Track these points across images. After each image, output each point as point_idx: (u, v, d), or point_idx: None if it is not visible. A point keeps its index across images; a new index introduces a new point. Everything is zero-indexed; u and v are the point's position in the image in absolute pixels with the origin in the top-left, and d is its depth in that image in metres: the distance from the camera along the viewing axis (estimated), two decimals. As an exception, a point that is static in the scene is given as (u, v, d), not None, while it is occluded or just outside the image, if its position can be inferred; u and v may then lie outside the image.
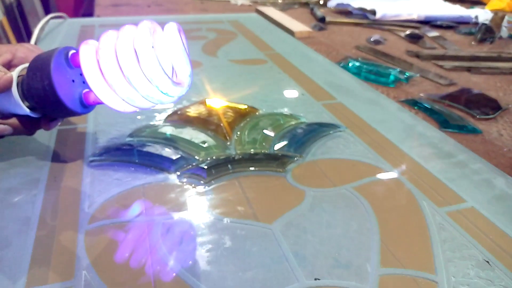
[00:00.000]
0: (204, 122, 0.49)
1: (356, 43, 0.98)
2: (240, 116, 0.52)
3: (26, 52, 0.38)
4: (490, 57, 0.90)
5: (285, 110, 0.54)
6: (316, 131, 0.49)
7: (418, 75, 0.77)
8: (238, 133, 0.47)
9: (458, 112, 0.62)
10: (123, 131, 0.47)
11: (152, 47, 0.31)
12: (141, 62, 0.30)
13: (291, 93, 0.61)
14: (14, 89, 0.34)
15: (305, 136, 0.48)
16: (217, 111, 0.52)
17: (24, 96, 0.34)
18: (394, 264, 0.31)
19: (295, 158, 0.43)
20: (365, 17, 1.25)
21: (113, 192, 0.37)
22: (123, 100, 0.33)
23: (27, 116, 0.36)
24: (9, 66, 0.37)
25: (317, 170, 0.42)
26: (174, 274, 0.29)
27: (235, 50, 0.80)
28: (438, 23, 1.22)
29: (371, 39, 1.01)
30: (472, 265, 0.31)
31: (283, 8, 1.36)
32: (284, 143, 0.46)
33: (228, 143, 0.45)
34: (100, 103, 0.34)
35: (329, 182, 0.40)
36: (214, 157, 0.42)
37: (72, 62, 0.34)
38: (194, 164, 0.41)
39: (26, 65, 0.35)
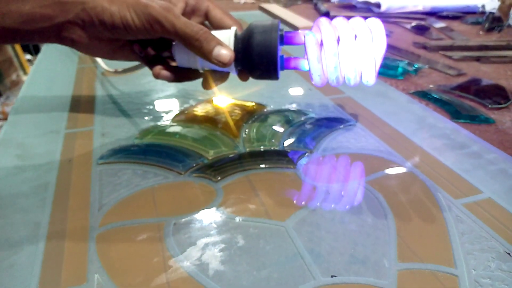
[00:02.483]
0: (212, 121, 0.49)
1: (362, 37, 0.97)
2: (247, 113, 0.51)
3: None
4: (499, 46, 0.89)
5: (293, 106, 0.54)
6: (326, 126, 0.48)
7: (427, 66, 0.76)
8: (247, 130, 0.47)
9: (469, 103, 0.61)
10: (130, 132, 0.46)
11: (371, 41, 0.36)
12: (360, 58, 0.37)
13: (298, 89, 0.60)
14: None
15: (315, 131, 0.47)
16: (224, 109, 0.52)
17: (236, 61, 0.38)
18: (412, 258, 0.30)
19: (306, 154, 0.43)
20: (370, 10, 1.24)
21: (123, 194, 0.36)
22: (326, 78, 0.39)
23: (228, 71, 0.41)
24: (184, 13, 0.41)
25: (328, 165, 0.41)
26: (188, 275, 0.28)
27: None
28: (444, 13, 1.20)
29: (377, 32, 1.00)
30: (493, 257, 0.30)
31: (286, 4, 1.35)
32: (294, 139, 0.45)
33: (237, 141, 0.45)
34: (297, 69, 0.40)
35: (341, 177, 0.39)
36: (223, 156, 0.42)
37: (285, 41, 0.39)
38: (203, 163, 0.41)
39: (233, 32, 0.39)
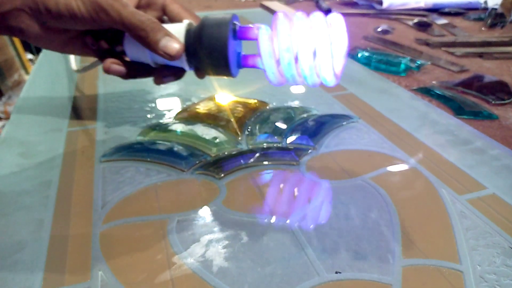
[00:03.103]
0: (214, 118, 0.48)
1: (364, 34, 0.96)
2: (250, 110, 0.51)
3: None
4: (502, 42, 0.88)
5: (296, 103, 0.53)
6: (328, 122, 0.48)
7: (429, 63, 0.76)
8: (249, 127, 0.47)
9: (472, 99, 0.61)
10: (133, 130, 0.46)
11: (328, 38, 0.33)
12: (316, 51, 0.33)
13: (301, 86, 0.60)
14: (183, 54, 0.36)
15: (318, 128, 0.47)
16: (227, 107, 0.52)
17: (188, 55, 0.36)
18: (417, 254, 0.30)
19: (309, 151, 0.43)
20: (372, 7, 1.24)
21: (126, 192, 0.36)
22: (280, 72, 0.35)
23: (182, 69, 0.39)
24: (137, 6, 0.38)
25: (332, 162, 0.41)
26: (192, 272, 0.28)
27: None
28: (446, 10, 1.20)
29: (379, 29, 0.99)
30: (498, 253, 0.30)
31: (288, 2, 1.35)
32: (297, 135, 0.45)
33: (240, 138, 0.45)
34: (255, 67, 0.36)
35: (345, 174, 0.39)
36: (226, 153, 0.42)
37: (239, 36, 0.36)
38: (206, 160, 0.41)
39: (185, 25, 0.36)
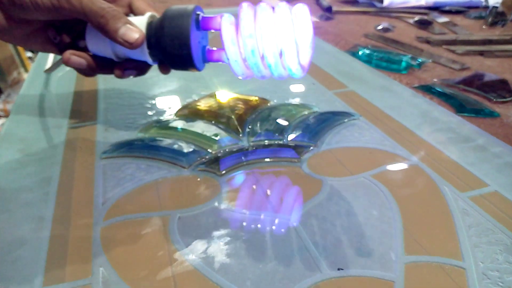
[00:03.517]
0: (215, 115, 0.48)
1: (365, 32, 0.96)
2: (251, 107, 0.51)
3: None
4: (503, 40, 0.88)
5: (297, 100, 0.53)
6: (329, 120, 0.48)
7: (430, 60, 0.75)
8: (250, 125, 0.47)
9: (474, 96, 0.61)
10: (133, 127, 0.46)
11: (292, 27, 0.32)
12: (280, 41, 0.32)
13: (302, 83, 0.59)
14: (145, 45, 0.35)
15: (319, 125, 0.46)
16: (228, 104, 0.51)
17: (150, 48, 0.35)
18: (419, 251, 0.30)
19: (310, 148, 0.42)
20: (372, 5, 1.24)
21: (126, 188, 0.36)
22: (246, 66, 0.34)
23: (145, 63, 0.38)
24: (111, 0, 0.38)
25: (333, 159, 0.41)
26: (193, 268, 0.28)
27: (242, 43, 0.79)
28: (447, 8, 1.20)
29: (380, 27, 0.99)
30: (500, 250, 0.30)
31: (288, -1, 1.35)
32: (298, 133, 0.45)
33: (241, 135, 0.45)
34: (221, 61, 0.36)
35: (346, 171, 0.39)
36: (227, 150, 0.42)
37: (202, 26, 0.35)
38: (207, 157, 0.40)
39: (147, 17, 0.36)
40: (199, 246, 0.30)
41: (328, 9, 1.17)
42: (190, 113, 0.49)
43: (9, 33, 0.36)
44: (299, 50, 0.33)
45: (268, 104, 0.52)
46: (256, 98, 0.53)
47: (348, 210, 0.34)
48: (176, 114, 0.49)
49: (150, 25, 0.35)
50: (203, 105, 0.51)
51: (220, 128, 0.45)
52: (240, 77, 0.35)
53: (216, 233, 0.31)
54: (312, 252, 0.30)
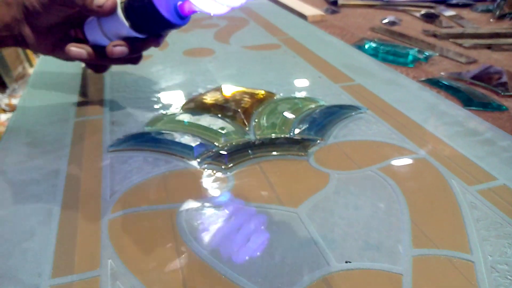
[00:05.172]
0: (221, 109, 0.48)
1: (371, 25, 0.95)
2: (257, 101, 0.51)
3: None
4: (510, 33, 0.87)
5: (303, 94, 0.53)
6: (336, 113, 0.48)
7: (437, 54, 0.75)
8: (256, 118, 0.46)
9: (481, 90, 0.60)
10: (140, 120, 0.46)
11: None
12: None
13: (308, 77, 0.59)
14: (119, 11, 0.38)
15: (326, 118, 0.46)
16: (234, 97, 0.51)
17: (129, 18, 0.38)
18: (427, 244, 0.30)
19: (317, 141, 0.42)
20: (378, -1, 1.23)
21: (134, 181, 0.36)
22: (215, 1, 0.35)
23: (134, 39, 0.40)
24: None
25: (340, 153, 0.41)
26: (201, 260, 0.28)
27: (247, 37, 0.78)
28: (454, 1, 1.19)
29: (386, 20, 0.98)
30: (509, 243, 0.30)
31: (294, -7, 1.34)
32: (305, 126, 0.45)
33: (247, 129, 0.45)
34: (194, 11, 0.37)
35: (354, 164, 0.39)
36: (233, 143, 0.42)
37: None
38: (214, 150, 0.40)
39: None
40: (206, 238, 0.30)
41: (334, 3, 1.16)
42: (196, 106, 0.49)
43: (38, 45, 0.42)
44: None
45: (275, 98, 0.52)
46: (263, 91, 0.53)
47: (356, 203, 0.34)
48: (182, 108, 0.49)
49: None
50: (209, 98, 0.51)
51: (226, 121, 0.45)
52: (212, 14, 0.36)
53: (223, 226, 0.31)
54: (320, 245, 0.30)
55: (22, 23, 0.40)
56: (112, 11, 0.38)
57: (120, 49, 0.40)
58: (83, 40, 0.44)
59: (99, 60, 0.43)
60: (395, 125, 0.46)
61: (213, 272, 0.27)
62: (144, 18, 0.37)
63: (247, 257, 0.28)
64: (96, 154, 0.40)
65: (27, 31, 0.41)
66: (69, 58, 0.43)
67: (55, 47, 0.43)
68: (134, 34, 0.39)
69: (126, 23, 0.38)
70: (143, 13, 0.37)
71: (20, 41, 0.42)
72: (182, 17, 0.38)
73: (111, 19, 0.39)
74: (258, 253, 0.29)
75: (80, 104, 0.50)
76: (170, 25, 0.38)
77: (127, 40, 0.40)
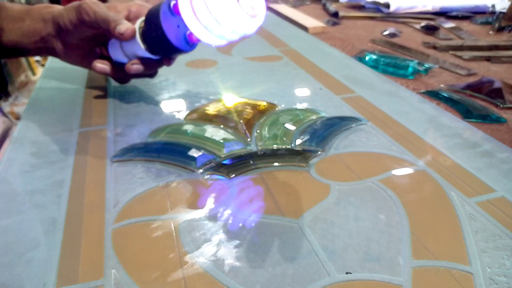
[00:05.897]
0: (224, 120, 0.49)
1: (371, 37, 0.96)
2: (259, 112, 0.51)
3: (138, 7, 0.50)
4: (509, 45, 0.88)
5: (304, 105, 0.54)
6: (337, 125, 0.48)
7: (437, 66, 0.76)
8: (258, 129, 0.47)
9: (481, 102, 0.61)
10: (143, 131, 0.47)
11: None
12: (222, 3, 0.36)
13: (309, 88, 0.60)
14: (137, 37, 0.45)
15: (326, 130, 0.47)
16: (236, 108, 0.52)
17: (145, 42, 0.45)
18: (427, 256, 0.30)
19: (318, 153, 0.43)
20: (379, 11, 1.24)
21: (137, 191, 0.37)
22: (215, 36, 0.39)
23: (149, 59, 0.47)
24: (127, 19, 0.48)
25: (340, 164, 0.41)
26: (204, 270, 0.29)
27: (249, 48, 0.79)
28: (454, 13, 1.20)
29: (386, 32, 0.99)
30: (508, 255, 0.30)
31: (295, 4, 1.35)
32: (306, 137, 0.45)
33: (249, 140, 0.45)
34: (199, 40, 0.41)
35: (354, 176, 0.39)
36: (235, 154, 0.42)
37: (175, 11, 0.40)
38: (216, 161, 0.41)
39: (143, 18, 0.45)
40: (209, 249, 0.31)
41: (335, 15, 1.17)
42: (199, 117, 0.50)
43: (68, 57, 0.50)
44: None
45: (276, 109, 0.53)
46: (264, 103, 0.54)
47: (356, 214, 0.34)
48: (185, 118, 0.50)
49: (141, 27, 0.45)
50: (211, 109, 0.52)
51: (228, 132, 0.46)
52: (213, 45, 0.41)
53: (226, 236, 0.32)
54: (321, 255, 0.30)
55: (55, 38, 0.48)
56: (131, 37, 0.44)
57: (137, 67, 0.47)
58: (107, 56, 0.52)
59: (120, 75, 0.51)
60: (395, 137, 0.46)
61: (215, 283, 0.28)
62: (157, 44, 0.43)
63: (249, 267, 0.29)
64: (100, 165, 0.41)
65: (58, 45, 0.48)
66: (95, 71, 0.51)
67: (82, 59, 0.51)
68: (149, 55, 0.46)
69: (143, 46, 0.45)
70: (156, 40, 0.43)
71: (52, 52, 0.50)
72: (191, 44, 0.43)
73: (130, 42, 0.46)
74: (260, 263, 0.29)
75: (84, 114, 0.51)
76: (179, 51, 0.44)
77: (144, 59, 0.47)
